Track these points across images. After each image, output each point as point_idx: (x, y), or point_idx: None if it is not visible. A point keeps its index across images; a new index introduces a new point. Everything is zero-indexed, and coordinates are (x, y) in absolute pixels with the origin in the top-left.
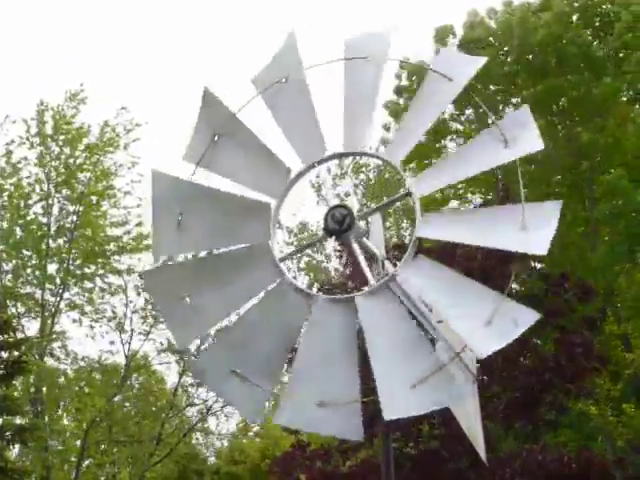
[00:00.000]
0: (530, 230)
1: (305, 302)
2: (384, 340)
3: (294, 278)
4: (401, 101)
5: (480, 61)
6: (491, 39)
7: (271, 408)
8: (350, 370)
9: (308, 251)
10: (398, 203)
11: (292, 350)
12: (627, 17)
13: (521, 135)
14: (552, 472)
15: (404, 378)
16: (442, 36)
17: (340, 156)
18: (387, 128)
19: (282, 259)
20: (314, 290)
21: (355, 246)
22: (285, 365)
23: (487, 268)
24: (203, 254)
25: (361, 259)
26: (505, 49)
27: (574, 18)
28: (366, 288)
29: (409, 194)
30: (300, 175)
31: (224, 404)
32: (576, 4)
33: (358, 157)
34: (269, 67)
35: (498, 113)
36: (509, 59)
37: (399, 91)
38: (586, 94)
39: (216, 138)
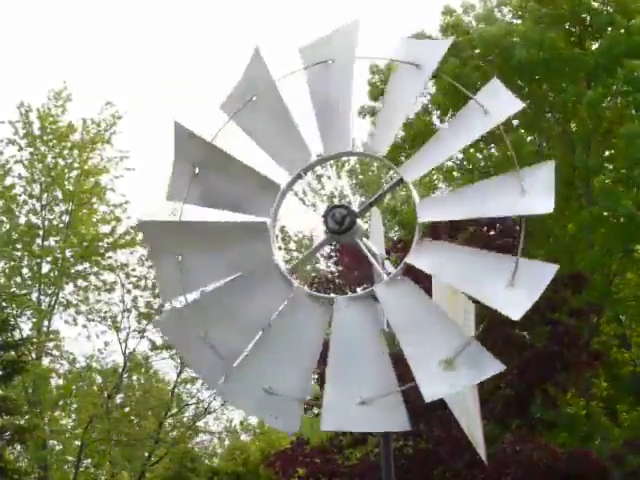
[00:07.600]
0: (530, 193)
1: (323, 308)
2: (410, 325)
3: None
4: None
5: (446, 43)
6: (477, 50)
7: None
8: (382, 363)
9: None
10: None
11: (322, 356)
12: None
13: (498, 102)
14: (548, 468)
15: (436, 359)
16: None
17: (327, 159)
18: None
19: (292, 270)
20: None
21: (361, 244)
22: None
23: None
24: (211, 288)
25: (370, 255)
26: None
27: (550, 23)
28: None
29: (401, 181)
30: (289, 186)
31: (222, 403)
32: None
33: (344, 157)
34: (237, 87)
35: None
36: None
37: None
38: (575, 101)
39: (196, 171)
